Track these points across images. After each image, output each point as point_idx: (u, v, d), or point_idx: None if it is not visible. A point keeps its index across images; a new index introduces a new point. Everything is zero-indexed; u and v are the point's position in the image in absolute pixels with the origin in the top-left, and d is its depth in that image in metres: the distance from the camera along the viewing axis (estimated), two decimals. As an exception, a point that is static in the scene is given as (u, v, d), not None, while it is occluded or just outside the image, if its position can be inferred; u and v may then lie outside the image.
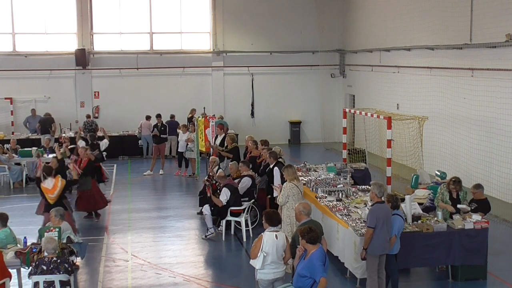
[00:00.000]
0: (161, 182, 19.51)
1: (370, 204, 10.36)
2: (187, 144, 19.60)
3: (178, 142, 20.51)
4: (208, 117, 18.79)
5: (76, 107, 25.20)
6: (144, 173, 20.35)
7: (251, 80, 26.53)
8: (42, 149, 18.80)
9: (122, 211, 15.52)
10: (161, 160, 20.51)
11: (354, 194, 12.50)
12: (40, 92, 24.91)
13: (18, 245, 9.93)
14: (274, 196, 12.33)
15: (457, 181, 10.98)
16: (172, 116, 22.12)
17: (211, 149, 17.21)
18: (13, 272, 9.36)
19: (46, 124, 22.70)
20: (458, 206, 10.84)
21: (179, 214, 15.32)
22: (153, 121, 21.68)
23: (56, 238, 9.33)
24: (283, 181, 11.76)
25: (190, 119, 22.73)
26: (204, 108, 17.84)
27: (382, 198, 9.25)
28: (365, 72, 24.40)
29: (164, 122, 21.12)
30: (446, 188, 11.16)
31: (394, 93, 21.24)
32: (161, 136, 20.52)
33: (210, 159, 15.05)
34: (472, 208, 10.98)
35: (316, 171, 14.82)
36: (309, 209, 8.88)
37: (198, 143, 18.93)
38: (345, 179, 13.81)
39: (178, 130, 21.85)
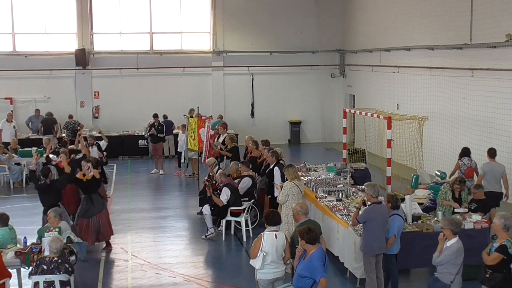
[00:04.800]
0: (161, 182, 19.50)
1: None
2: (188, 144, 19.58)
3: (178, 142, 20.50)
4: (203, 117, 18.71)
5: (76, 107, 25.15)
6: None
7: (251, 80, 26.51)
8: (42, 149, 18.79)
9: (122, 211, 15.52)
10: (160, 159, 20.54)
11: (354, 194, 12.51)
12: (40, 92, 24.89)
13: (18, 245, 9.94)
14: (275, 196, 12.35)
15: (462, 181, 11.33)
16: (166, 116, 22.06)
17: (214, 148, 17.21)
18: (13, 272, 9.36)
19: (49, 124, 22.68)
20: (456, 210, 10.97)
21: (179, 214, 15.33)
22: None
23: (62, 238, 9.35)
24: (283, 180, 11.78)
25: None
26: (198, 107, 17.86)
27: (379, 198, 9.26)
28: (365, 72, 24.39)
29: (160, 122, 21.11)
30: (449, 187, 11.27)
31: (394, 93, 21.22)
32: (159, 135, 20.52)
33: (207, 161, 15.02)
34: (472, 208, 11.03)
35: (316, 171, 14.83)
36: (306, 209, 8.91)
37: (188, 142, 18.82)
38: (345, 179, 13.82)
39: (175, 130, 21.88)
